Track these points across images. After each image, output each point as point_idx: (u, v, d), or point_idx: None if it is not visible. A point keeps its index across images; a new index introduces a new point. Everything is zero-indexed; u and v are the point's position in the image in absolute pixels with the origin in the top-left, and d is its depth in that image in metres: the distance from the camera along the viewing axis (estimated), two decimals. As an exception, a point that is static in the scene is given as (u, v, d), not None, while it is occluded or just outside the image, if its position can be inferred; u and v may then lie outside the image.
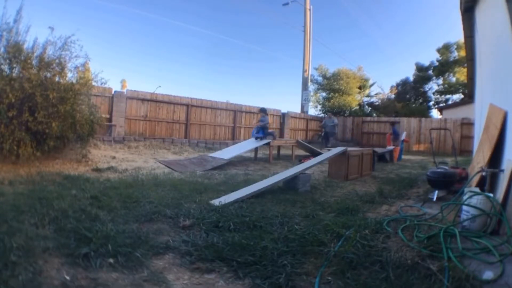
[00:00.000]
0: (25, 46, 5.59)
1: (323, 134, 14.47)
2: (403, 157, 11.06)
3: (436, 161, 6.34)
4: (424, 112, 22.53)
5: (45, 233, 2.26)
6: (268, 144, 8.44)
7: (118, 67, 45.84)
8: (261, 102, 72.42)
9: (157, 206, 3.11)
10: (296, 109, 18.92)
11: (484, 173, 3.19)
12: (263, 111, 9.37)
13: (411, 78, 25.46)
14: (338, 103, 22.19)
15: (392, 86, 26.19)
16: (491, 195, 2.70)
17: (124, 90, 10.29)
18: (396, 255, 2.08)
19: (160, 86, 48.03)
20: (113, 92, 9.53)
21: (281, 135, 15.55)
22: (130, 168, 5.81)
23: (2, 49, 5.42)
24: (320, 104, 23.55)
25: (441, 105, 22.72)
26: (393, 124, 11.97)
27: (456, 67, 22.45)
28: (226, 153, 7.69)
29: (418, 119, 16.09)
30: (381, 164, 8.51)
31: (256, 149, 8.68)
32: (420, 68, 24.95)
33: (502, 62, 3.62)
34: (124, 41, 49.86)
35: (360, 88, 24.07)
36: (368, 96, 25.80)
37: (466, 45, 8.20)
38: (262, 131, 8.66)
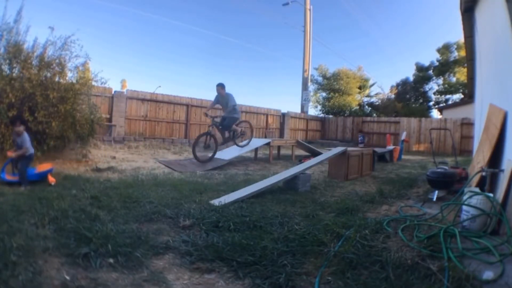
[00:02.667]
0: (25, 46, 5.61)
1: (214, 124, 7.22)
2: (403, 157, 11.07)
3: (436, 161, 6.35)
4: (424, 112, 22.55)
5: (45, 233, 2.26)
6: (268, 144, 8.45)
7: (118, 67, 45.93)
8: (261, 102, 72.42)
9: (157, 206, 3.11)
10: (296, 109, 18.95)
11: (484, 173, 3.19)
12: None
13: (411, 78, 25.51)
14: (338, 103, 22.21)
15: (392, 86, 26.24)
16: (491, 195, 2.70)
17: (124, 90, 10.29)
18: (396, 255, 2.08)
19: (160, 86, 48.05)
20: (113, 92, 9.53)
21: (281, 135, 15.56)
22: (130, 168, 5.81)
23: (2, 49, 5.43)
24: (320, 104, 23.59)
25: (441, 105, 22.72)
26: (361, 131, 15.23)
27: (456, 67, 22.47)
28: (226, 153, 7.69)
29: (418, 119, 16.09)
30: (381, 164, 8.51)
31: (256, 149, 8.68)
32: (420, 68, 24.96)
33: (502, 62, 3.62)
34: (124, 41, 49.99)
35: (360, 88, 24.10)
36: (368, 96, 25.83)
37: (466, 45, 8.20)
38: None
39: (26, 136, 4.16)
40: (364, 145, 14.52)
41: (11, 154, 4.08)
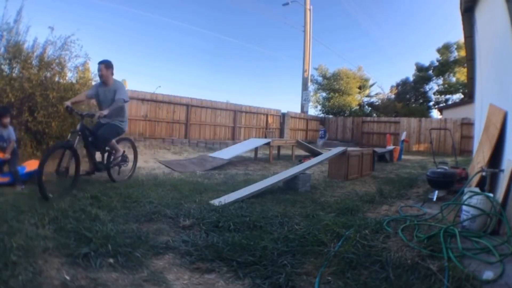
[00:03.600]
0: (25, 46, 5.61)
1: (82, 131, 3.77)
2: (403, 157, 11.07)
3: (436, 161, 6.34)
4: (424, 112, 22.57)
5: (45, 233, 2.26)
6: (268, 144, 8.45)
7: (118, 67, 45.54)
8: (261, 102, 72.46)
9: (157, 206, 3.11)
10: (296, 109, 18.97)
11: (484, 173, 3.19)
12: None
13: (411, 78, 25.53)
14: (338, 103, 22.23)
15: (392, 86, 26.27)
16: (491, 195, 2.70)
17: (124, 90, 10.28)
18: (396, 255, 2.08)
19: (160, 86, 47.92)
20: (113, 92, 9.52)
21: (281, 135, 15.56)
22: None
23: (2, 49, 5.44)
24: (320, 104, 23.61)
25: (441, 105, 22.75)
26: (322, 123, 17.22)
27: (456, 67, 22.50)
28: (226, 153, 7.69)
29: (418, 119, 16.10)
30: (381, 164, 8.51)
31: (256, 149, 8.68)
32: (420, 68, 24.98)
33: (502, 62, 3.62)
34: (124, 41, 49.96)
35: (360, 88, 24.12)
36: (368, 96, 25.87)
37: (466, 45, 8.21)
38: None
39: (11, 128, 3.94)
40: (325, 140, 14.99)
41: (3, 155, 3.88)
